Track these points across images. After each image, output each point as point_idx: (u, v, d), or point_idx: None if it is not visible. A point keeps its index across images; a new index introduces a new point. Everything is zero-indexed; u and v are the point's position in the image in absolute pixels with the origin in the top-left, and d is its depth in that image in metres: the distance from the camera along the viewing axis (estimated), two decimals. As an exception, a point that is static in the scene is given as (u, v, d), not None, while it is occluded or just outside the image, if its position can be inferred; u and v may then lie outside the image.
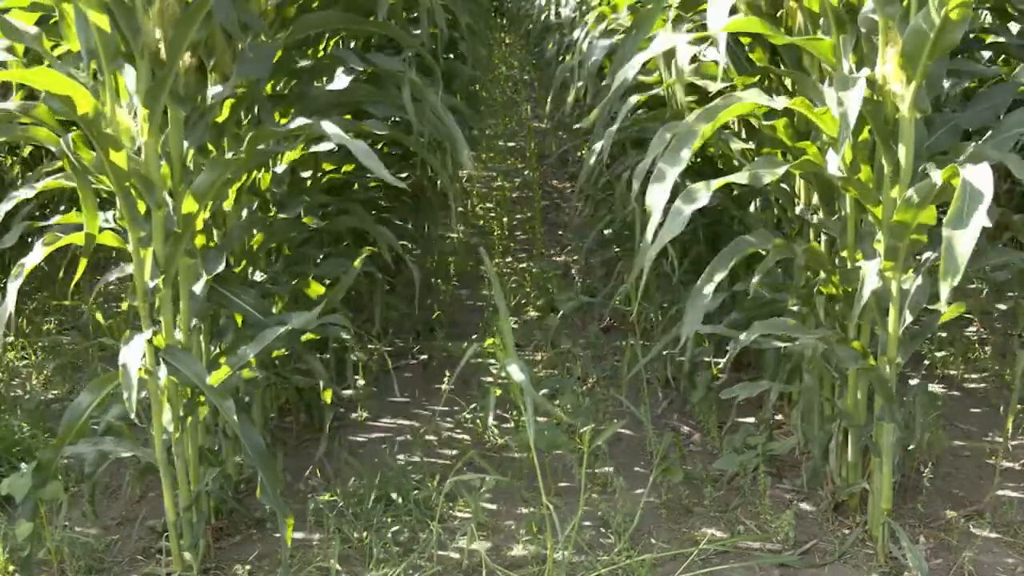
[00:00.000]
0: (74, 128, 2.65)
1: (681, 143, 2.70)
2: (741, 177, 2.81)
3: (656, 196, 2.70)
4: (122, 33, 2.64)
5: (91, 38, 2.59)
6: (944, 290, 2.24)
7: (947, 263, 2.24)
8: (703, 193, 2.69)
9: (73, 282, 3.24)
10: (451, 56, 5.05)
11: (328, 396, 3.54)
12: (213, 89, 2.94)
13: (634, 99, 3.71)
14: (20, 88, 3.49)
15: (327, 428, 3.60)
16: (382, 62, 3.45)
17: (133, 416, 2.66)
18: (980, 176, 2.32)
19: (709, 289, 2.81)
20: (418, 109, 3.50)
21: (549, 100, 6.73)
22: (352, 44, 3.90)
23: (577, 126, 3.83)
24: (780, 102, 2.79)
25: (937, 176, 2.51)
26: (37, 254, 2.89)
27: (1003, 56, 4.17)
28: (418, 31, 4.19)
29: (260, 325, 3.00)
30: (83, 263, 3.00)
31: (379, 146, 4.56)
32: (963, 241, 2.24)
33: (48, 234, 2.93)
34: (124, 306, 4.79)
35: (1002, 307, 4.00)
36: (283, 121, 3.37)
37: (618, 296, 4.64)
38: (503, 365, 2.84)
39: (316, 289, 3.42)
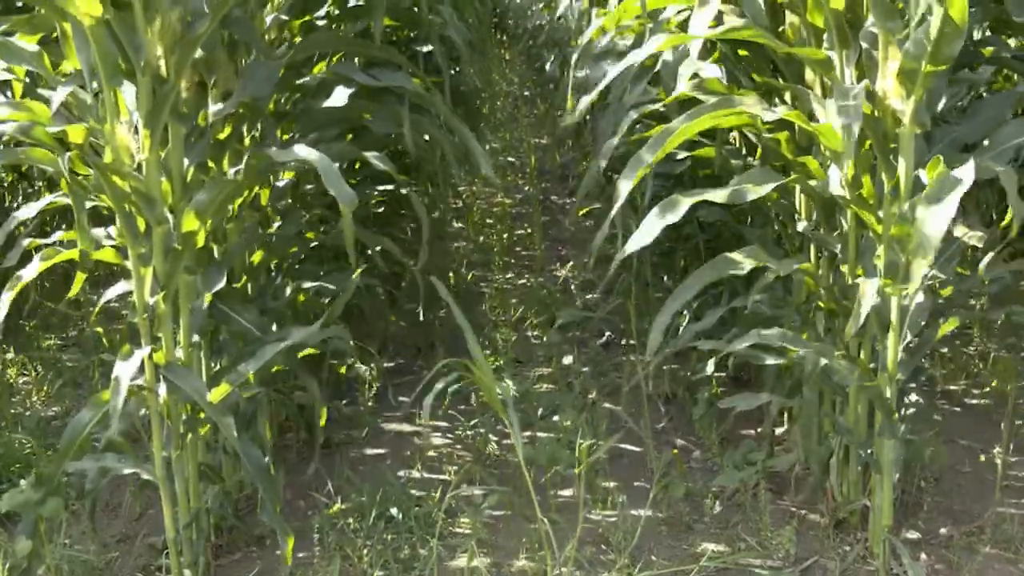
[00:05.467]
0: (73, 147, 2.66)
1: (660, 140, 2.73)
2: (720, 196, 2.81)
3: (623, 184, 2.78)
4: (123, 50, 2.65)
5: (91, 56, 2.59)
6: (916, 269, 2.25)
7: (919, 240, 2.26)
8: (682, 205, 2.72)
9: (72, 292, 3.23)
10: (452, 72, 5.06)
11: (323, 413, 3.54)
12: (214, 106, 2.95)
13: (634, 114, 3.71)
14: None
15: (318, 446, 3.61)
16: (387, 78, 3.46)
17: (114, 431, 2.66)
18: (962, 168, 2.41)
19: (683, 297, 2.87)
20: (424, 122, 3.52)
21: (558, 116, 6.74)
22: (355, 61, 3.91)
23: (565, 121, 3.83)
24: (778, 111, 2.79)
25: (924, 176, 2.53)
26: (34, 268, 2.91)
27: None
28: (422, 47, 4.24)
29: (260, 341, 3.00)
30: (80, 279, 3.01)
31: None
32: (936, 218, 2.28)
33: (47, 249, 2.94)
34: (124, 323, 4.79)
35: (998, 320, 4.01)
36: (285, 138, 3.39)
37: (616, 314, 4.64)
38: (484, 388, 2.84)
39: (317, 305, 3.42)
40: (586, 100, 3.40)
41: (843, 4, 2.81)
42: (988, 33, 3.74)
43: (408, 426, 4.18)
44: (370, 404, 4.25)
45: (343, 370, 4.12)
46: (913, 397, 3.20)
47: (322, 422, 3.55)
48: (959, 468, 3.67)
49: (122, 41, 2.63)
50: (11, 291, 2.89)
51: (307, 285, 3.63)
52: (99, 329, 4.57)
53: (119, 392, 2.60)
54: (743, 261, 2.93)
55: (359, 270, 3.32)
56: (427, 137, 4.11)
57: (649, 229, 2.70)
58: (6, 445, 3.74)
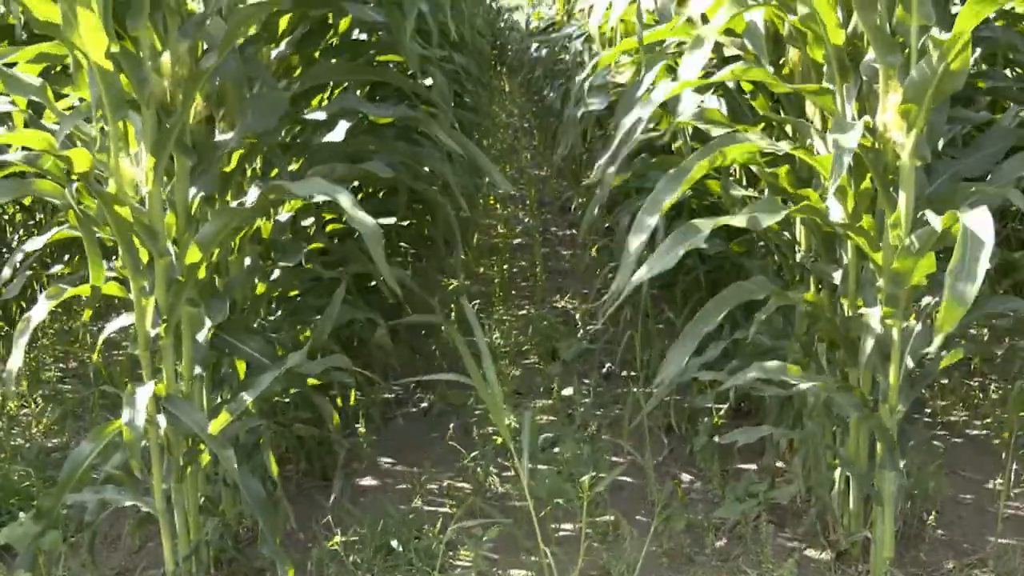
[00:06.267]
0: (78, 176, 2.67)
1: (675, 179, 2.72)
2: (740, 220, 2.81)
3: (633, 238, 2.73)
4: (129, 83, 2.66)
5: (96, 88, 2.61)
6: (938, 338, 2.25)
7: (947, 311, 2.24)
8: (702, 232, 2.69)
9: (83, 318, 3.24)
10: (453, 104, 5.09)
11: (336, 420, 3.52)
12: (221, 138, 2.96)
13: (635, 145, 3.73)
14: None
15: (339, 472, 3.59)
16: (390, 111, 3.48)
17: (138, 472, 2.66)
18: (980, 222, 2.33)
19: (697, 334, 2.83)
20: (425, 155, 3.54)
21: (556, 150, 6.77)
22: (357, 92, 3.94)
23: (587, 182, 3.85)
24: (783, 146, 2.80)
25: (937, 223, 2.51)
26: (42, 309, 2.90)
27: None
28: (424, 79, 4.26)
29: (262, 371, 3.00)
30: (87, 314, 3.01)
31: (380, 195, 4.59)
32: (966, 290, 2.24)
33: (52, 287, 2.94)
34: (125, 355, 4.79)
35: (999, 352, 4.01)
36: (290, 170, 3.40)
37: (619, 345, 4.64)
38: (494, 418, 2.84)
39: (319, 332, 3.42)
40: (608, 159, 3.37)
41: (843, 39, 2.82)
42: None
43: (408, 459, 4.17)
44: (370, 436, 4.25)
45: (340, 400, 4.11)
46: (914, 428, 3.20)
47: (335, 423, 3.53)
48: (961, 500, 3.67)
49: (127, 74, 2.65)
50: (24, 335, 2.89)
51: (308, 318, 3.63)
52: (99, 361, 4.57)
53: (137, 434, 2.59)
54: (756, 290, 2.94)
55: (341, 290, 3.33)
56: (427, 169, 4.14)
57: (669, 253, 2.68)
58: (5, 477, 3.73)
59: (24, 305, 5.10)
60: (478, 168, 4.76)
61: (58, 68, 3.16)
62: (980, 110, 3.60)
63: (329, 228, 4.00)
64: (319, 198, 2.76)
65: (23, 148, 2.74)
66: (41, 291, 3.00)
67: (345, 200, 2.64)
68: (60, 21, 2.48)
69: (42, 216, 5.87)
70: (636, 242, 2.72)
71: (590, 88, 4.41)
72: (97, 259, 2.66)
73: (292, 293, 3.74)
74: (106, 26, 2.53)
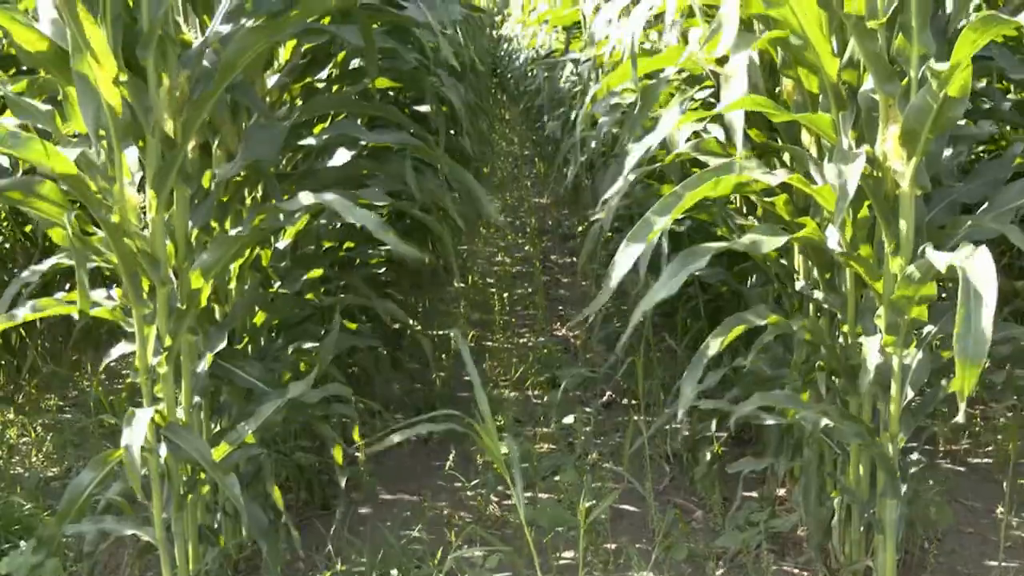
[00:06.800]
0: (78, 205, 2.67)
1: (667, 205, 2.73)
2: (742, 245, 2.82)
3: (619, 263, 2.72)
4: (133, 112, 2.68)
5: (102, 117, 2.61)
6: (962, 405, 2.23)
7: (962, 372, 2.22)
8: (702, 256, 2.70)
9: (78, 342, 3.24)
10: (453, 132, 5.11)
11: (339, 454, 3.52)
12: (219, 168, 2.97)
13: (634, 175, 3.74)
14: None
15: (343, 505, 3.58)
16: (389, 137, 3.50)
17: (140, 497, 2.65)
18: (982, 271, 2.29)
19: (702, 364, 2.83)
20: (424, 181, 3.56)
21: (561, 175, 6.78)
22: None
23: (595, 217, 3.86)
24: (779, 175, 2.81)
25: (938, 263, 2.48)
26: (26, 310, 2.92)
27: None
28: (421, 106, 4.28)
29: (262, 399, 3.00)
30: (83, 333, 3.01)
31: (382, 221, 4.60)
32: (977, 349, 2.23)
33: (43, 299, 2.94)
34: (126, 383, 4.79)
35: (997, 380, 4.01)
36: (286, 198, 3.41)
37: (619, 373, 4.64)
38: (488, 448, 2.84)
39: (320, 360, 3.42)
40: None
41: (837, 67, 2.83)
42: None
43: (409, 487, 4.17)
44: (371, 464, 4.24)
45: (341, 426, 4.11)
46: (915, 456, 3.19)
47: (338, 459, 3.53)
48: (962, 528, 3.65)
49: (132, 103, 2.66)
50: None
51: (308, 346, 3.64)
52: (99, 389, 4.57)
53: (135, 463, 2.58)
54: (755, 319, 2.94)
55: (336, 319, 3.33)
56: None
57: (674, 278, 2.69)
58: (6, 506, 3.72)
59: (23, 333, 5.11)
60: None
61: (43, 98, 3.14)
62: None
63: (329, 256, 4.01)
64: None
65: (24, 172, 2.74)
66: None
67: (337, 203, 2.65)
68: (50, 53, 2.50)
69: (46, 244, 5.88)
70: (624, 263, 2.71)
71: (593, 115, 4.43)
72: (85, 286, 2.65)
73: (293, 321, 3.74)
74: (115, 54, 2.54)
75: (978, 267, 2.31)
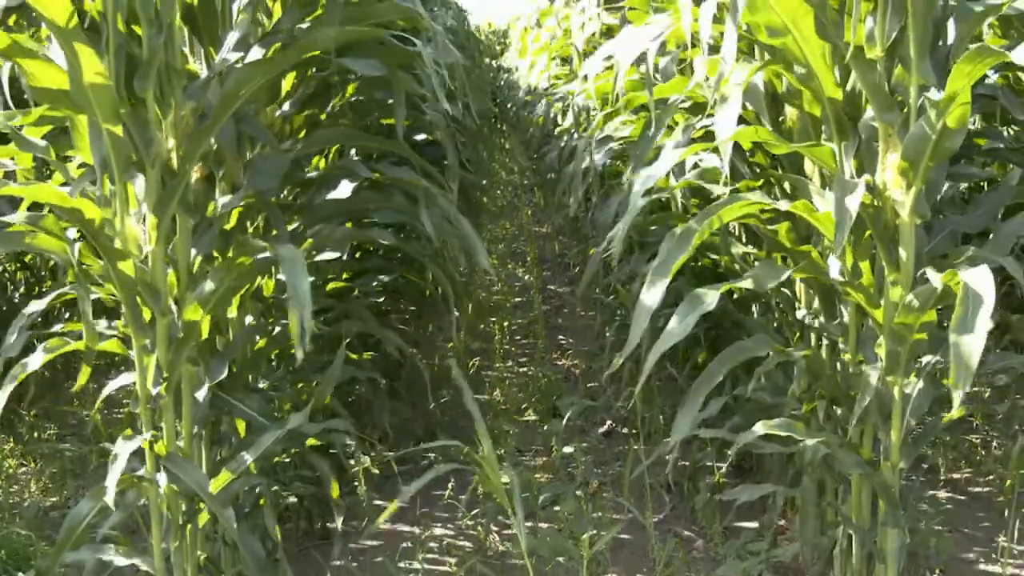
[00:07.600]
0: (81, 237, 2.68)
1: (683, 241, 2.74)
2: (745, 282, 2.84)
3: (646, 302, 2.73)
4: (135, 144, 2.69)
5: (104, 148, 2.62)
6: (956, 397, 2.24)
7: (957, 369, 2.24)
8: (709, 298, 2.71)
9: (79, 384, 3.24)
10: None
11: (335, 491, 3.51)
12: (222, 199, 2.98)
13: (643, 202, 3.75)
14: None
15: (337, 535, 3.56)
16: (390, 171, 3.50)
17: (110, 502, 2.64)
18: (980, 279, 2.34)
19: (702, 395, 2.84)
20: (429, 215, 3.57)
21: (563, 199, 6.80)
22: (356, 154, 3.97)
23: (606, 253, 3.88)
24: (783, 204, 2.82)
25: (937, 280, 2.52)
26: (39, 358, 2.92)
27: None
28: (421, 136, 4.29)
29: (262, 430, 2.99)
30: (85, 372, 3.01)
31: (380, 251, 4.61)
32: (971, 346, 2.25)
33: (52, 339, 2.95)
34: (125, 412, 4.78)
35: (1000, 409, 4.00)
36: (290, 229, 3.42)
37: (621, 402, 4.64)
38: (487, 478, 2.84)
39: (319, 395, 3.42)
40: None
41: (840, 97, 2.85)
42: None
43: (409, 516, 4.15)
44: (371, 494, 4.23)
45: (340, 457, 4.10)
46: (917, 485, 3.19)
47: (334, 494, 3.51)
48: (964, 557, 3.64)
49: (133, 135, 2.67)
50: (14, 381, 2.90)
51: (308, 376, 3.64)
52: (98, 418, 4.56)
53: (117, 470, 2.59)
54: (756, 348, 2.95)
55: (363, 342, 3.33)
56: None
57: (684, 321, 2.70)
58: (4, 536, 3.71)
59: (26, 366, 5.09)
60: (479, 225, 4.79)
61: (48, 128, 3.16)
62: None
63: (329, 287, 4.02)
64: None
65: (30, 209, 2.76)
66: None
67: (288, 255, 2.65)
68: (64, 87, 2.52)
69: (45, 274, 5.89)
70: (649, 302, 2.73)
71: (593, 144, 4.45)
72: (89, 320, 2.66)
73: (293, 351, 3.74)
74: (117, 87, 2.56)
75: (977, 276, 2.37)
